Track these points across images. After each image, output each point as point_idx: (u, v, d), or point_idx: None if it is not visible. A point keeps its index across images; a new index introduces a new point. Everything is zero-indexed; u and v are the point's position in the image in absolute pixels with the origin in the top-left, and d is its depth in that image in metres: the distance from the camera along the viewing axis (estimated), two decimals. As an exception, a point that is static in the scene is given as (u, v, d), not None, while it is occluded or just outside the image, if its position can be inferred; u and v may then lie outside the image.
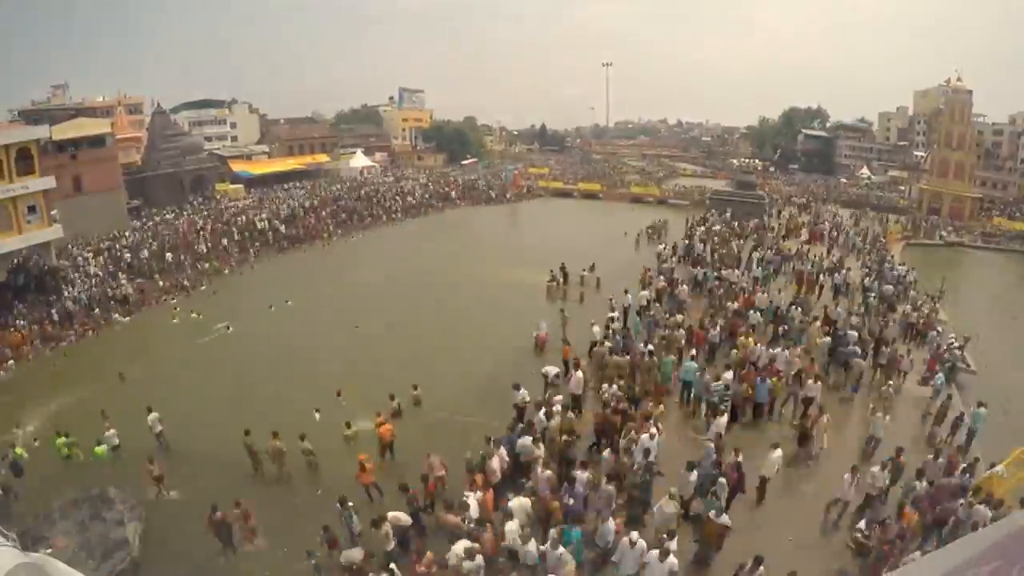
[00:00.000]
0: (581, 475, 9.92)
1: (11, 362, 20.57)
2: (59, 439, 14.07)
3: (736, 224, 34.17)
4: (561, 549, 8.12)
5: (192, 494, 12.38)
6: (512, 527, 8.75)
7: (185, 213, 41.34)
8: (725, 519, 8.93)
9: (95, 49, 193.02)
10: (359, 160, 61.03)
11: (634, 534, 8.31)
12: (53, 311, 23.76)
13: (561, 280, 25.23)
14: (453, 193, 51.26)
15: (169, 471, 12.89)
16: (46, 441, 14.43)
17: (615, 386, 13.17)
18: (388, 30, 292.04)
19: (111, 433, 14.09)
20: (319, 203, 42.75)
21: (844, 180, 65.61)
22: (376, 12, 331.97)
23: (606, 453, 11.05)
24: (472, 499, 9.51)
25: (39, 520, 11.49)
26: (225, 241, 33.94)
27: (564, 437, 11.49)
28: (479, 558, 8.17)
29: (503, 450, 11.04)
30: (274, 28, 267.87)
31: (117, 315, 24.76)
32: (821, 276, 23.86)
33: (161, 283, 28.01)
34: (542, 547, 8.35)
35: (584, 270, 26.08)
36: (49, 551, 9.30)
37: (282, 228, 36.71)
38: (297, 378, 18.06)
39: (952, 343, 17.93)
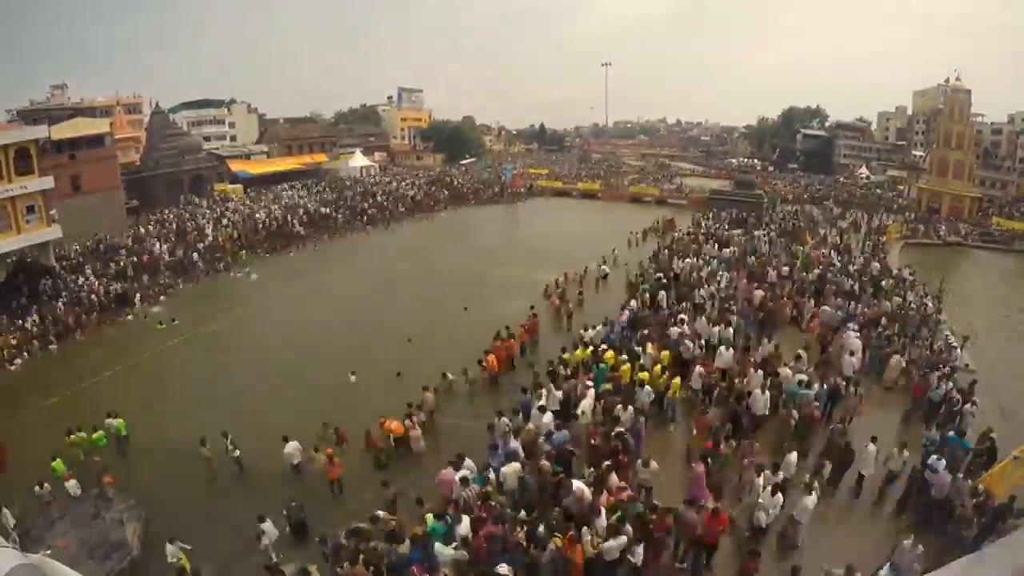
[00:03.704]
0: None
1: (18, 361, 20.45)
2: (68, 437, 13.97)
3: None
4: None
5: (193, 494, 12.44)
6: None
7: (203, 212, 40.81)
8: None
9: (95, 49, 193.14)
10: (358, 160, 60.92)
11: None
12: (58, 303, 23.77)
13: (562, 279, 25.20)
14: (451, 191, 51.17)
15: (171, 469, 13.07)
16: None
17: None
18: (388, 29, 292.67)
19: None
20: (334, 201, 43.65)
21: (843, 179, 65.73)
22: (377, 12, 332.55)
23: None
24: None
25: (39, 520, 11.47)
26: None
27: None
28: None
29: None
30: (273, 28, 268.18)
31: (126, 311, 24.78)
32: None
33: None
34: None
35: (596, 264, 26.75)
36: (49, 551, 9.29)
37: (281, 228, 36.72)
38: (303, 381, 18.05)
39: (952, 344, 17.90)
